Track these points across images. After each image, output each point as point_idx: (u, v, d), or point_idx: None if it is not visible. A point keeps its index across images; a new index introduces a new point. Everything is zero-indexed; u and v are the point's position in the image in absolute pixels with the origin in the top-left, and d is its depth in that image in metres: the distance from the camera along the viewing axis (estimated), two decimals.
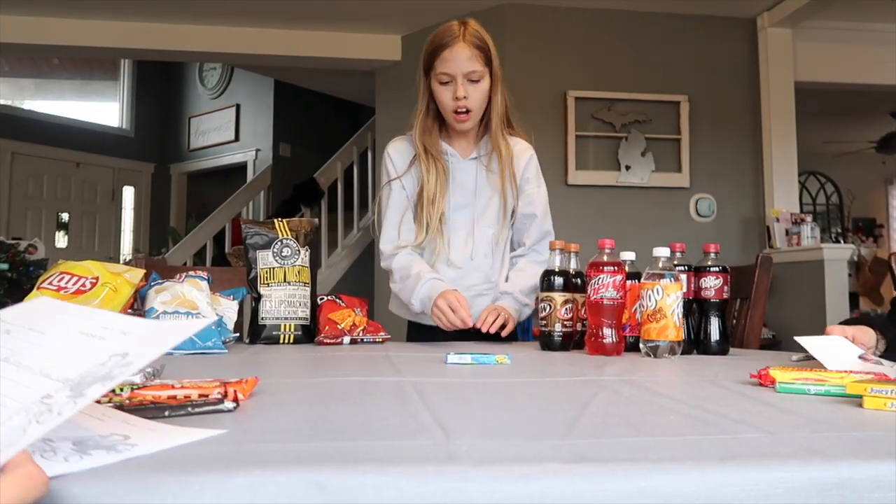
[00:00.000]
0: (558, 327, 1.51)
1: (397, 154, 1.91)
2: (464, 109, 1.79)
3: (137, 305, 1.55)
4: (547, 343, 1.52)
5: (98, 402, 0.67)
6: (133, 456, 0.50)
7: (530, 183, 1.91)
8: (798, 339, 1.18)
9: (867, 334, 1.29)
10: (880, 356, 1.27)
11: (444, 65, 1.76)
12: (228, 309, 1.65)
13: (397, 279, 1.85)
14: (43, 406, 0.46)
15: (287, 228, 1.77)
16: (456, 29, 1.77)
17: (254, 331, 1.73)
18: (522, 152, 1.92)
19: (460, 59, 1.75)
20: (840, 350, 1.16)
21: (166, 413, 0.65)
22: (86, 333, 0.54)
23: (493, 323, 1.71)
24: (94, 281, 1.46)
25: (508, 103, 1.90)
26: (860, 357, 1.11)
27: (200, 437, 0.56)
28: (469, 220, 1.88)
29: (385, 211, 1.91)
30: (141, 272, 1.54)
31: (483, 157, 1.88)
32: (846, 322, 1.41)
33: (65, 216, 7.78)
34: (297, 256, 1.75)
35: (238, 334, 1.69)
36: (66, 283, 1.45)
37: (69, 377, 0.48)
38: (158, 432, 0.56)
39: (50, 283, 1.46)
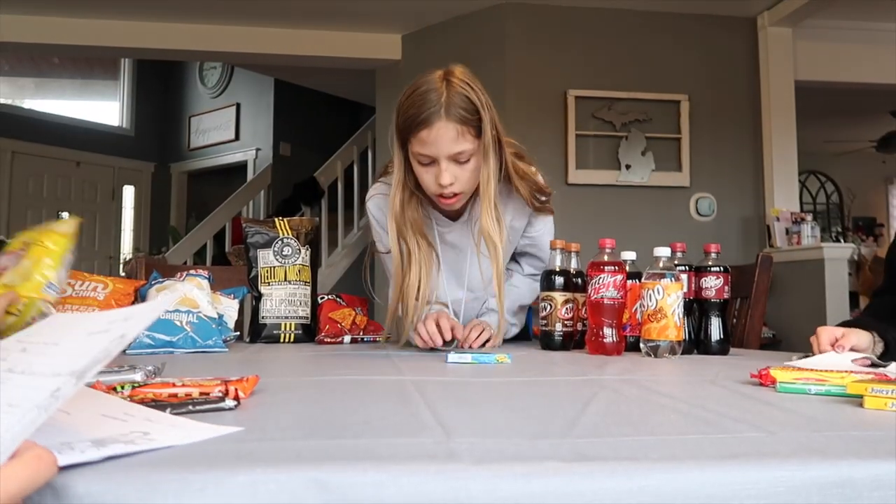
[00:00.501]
0: (559, 327, 1.51)
1: (380, 213, 1.66)
2: (450, 194, 1.51)
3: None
4: (547, 342, 1.53)
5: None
6: (148, 448, 0.50)
7: (534, 226, 1.72)
8: (794, 363, 1.18)
9: (858, 336, 1.28)
10: (878, 357, 1.27)
11: (423, 146, 1.45)
12: (229, 308, 1.65)
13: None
14: (52, 399, 0.46)
15: (288, 227, 1.77)
16: (435, 97, 1.43)
17: (254, 330, 1.73)
18: (524, 206, 1.67)
19: (443, 141, 1.44)
20: (835, 360, 1.16)
21: (167, 411, 0.65)
22: (93, 332, 0.54)
23: (476, 339, 1.56)
24: (24, 247, 1.35)
25: (513, 153, 1.60)
26: (852, 362, 1.11)
27: (222, 433, 0.57)
28: (464, 282, 1.69)
29: (386, 271, 1.73)
30: (76, 220, 1.42)
31: (476, 221, 1.58)
32: (844, 324, 1.40)
33: (65, 215, 7.74)
34: (297, 255, 1.75)
35: (238, 333, 1.69)
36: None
37: (76, 369, 0.49)
38: (179, 428, 0.57)
39: None
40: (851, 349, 1.25)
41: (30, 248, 1.29)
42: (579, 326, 1.54)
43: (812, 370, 0.91)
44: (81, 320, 0.60)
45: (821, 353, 1.24)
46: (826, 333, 1.28)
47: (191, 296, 1.51)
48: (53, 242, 1.32)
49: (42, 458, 0.42)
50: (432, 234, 1.65)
